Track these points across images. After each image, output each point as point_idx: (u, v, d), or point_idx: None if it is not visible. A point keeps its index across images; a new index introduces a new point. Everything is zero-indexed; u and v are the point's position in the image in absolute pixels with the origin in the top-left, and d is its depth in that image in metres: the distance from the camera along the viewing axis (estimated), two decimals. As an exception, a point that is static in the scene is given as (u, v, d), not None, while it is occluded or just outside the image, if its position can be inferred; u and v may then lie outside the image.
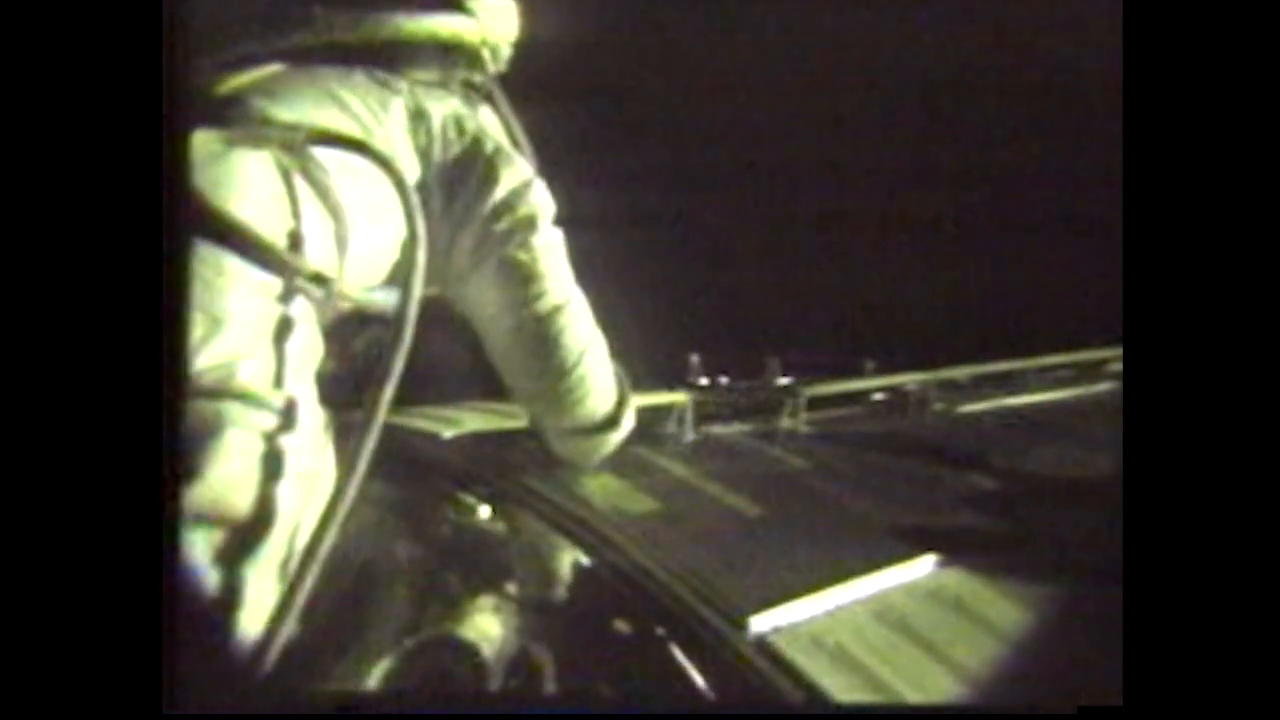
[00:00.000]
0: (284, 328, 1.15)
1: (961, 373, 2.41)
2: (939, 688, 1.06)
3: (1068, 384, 2.54)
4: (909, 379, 2.29)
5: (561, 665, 1.22)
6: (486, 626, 1.30)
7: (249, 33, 1.36)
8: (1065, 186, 2.90)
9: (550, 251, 1.45)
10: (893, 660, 1.10)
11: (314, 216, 1.23)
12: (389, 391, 1.14)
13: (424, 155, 1.39)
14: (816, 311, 2.99)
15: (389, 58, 1.42)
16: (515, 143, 1.55)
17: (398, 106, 1.38)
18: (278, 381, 1.12)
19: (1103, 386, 2.53)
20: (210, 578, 1.04)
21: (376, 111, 1.36)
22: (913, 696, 1.04)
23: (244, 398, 1.08)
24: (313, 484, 1.13)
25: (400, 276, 1.23)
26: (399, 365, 1.15)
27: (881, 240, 3.07)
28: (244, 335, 1.10)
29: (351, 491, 1.09)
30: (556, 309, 1.45)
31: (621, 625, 1.22)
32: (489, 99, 1.55)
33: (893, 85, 2.94)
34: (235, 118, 1.22)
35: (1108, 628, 1.02)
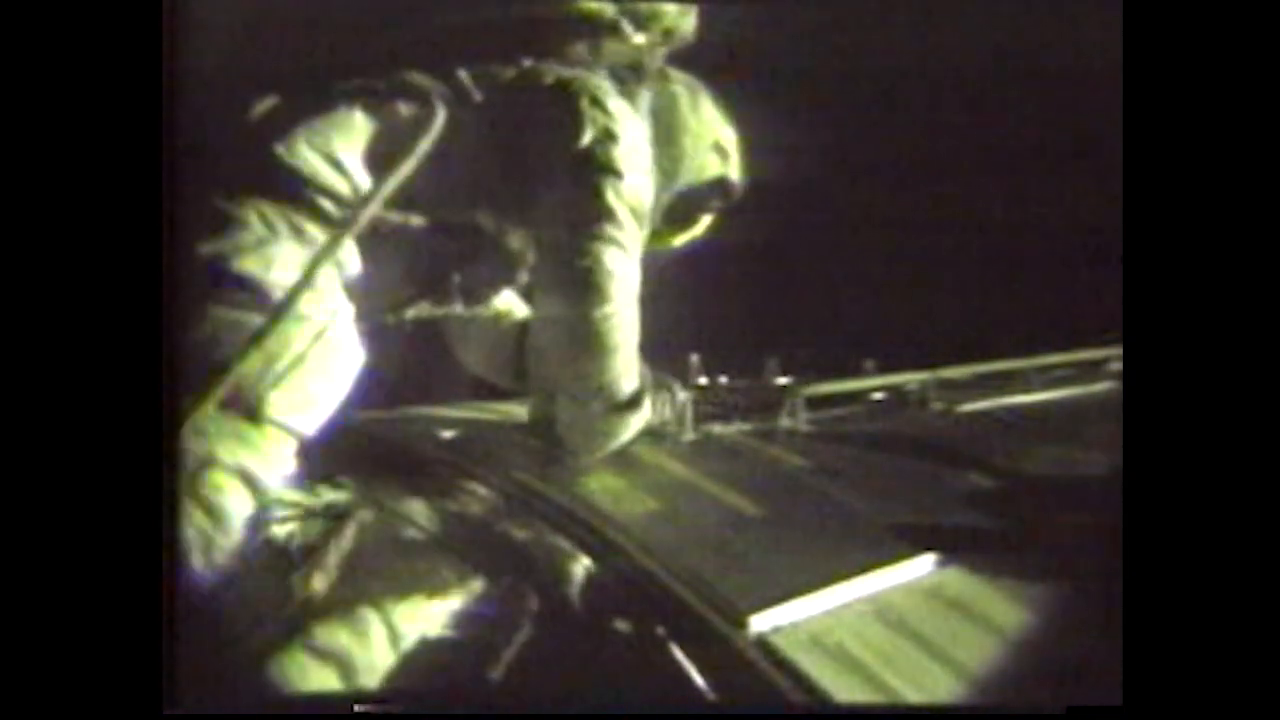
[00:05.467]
0: (312, 244, 1.41)
1: (961, 372, 2.40)
2: (939, 687, 1.06)
3: (1067, 383, 2.53)
4: (909, 378, 2.29)
5: (562, 665, 1.22)
6: (485, 626, 1.30)
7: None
8: (1066, 187, 2.90)
9: (617, 204, 1.57)
10: (893, 660, 1.10)
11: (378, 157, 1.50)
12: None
13: (525, 116, 1.59)
14: (816, 311, 2.99)
15: (534, 44, 1.63)
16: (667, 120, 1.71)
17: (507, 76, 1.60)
18: (296, 288, 1.35)
19: (1102, 386, 2.53)
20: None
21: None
22: (912, 696, 1.04)
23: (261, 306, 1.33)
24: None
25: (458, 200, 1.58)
26: (366, 217, 1.44)
27: (881, 240, 3.07)
28: (272, 250, 1.38)
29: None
30: (605, 251, 1.56)
31: (621, 625, 1.22)
32: (641, 76, 1.70)
33: (893, 84, 2.94)
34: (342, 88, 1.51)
35: (1107, 627, 1.02)
